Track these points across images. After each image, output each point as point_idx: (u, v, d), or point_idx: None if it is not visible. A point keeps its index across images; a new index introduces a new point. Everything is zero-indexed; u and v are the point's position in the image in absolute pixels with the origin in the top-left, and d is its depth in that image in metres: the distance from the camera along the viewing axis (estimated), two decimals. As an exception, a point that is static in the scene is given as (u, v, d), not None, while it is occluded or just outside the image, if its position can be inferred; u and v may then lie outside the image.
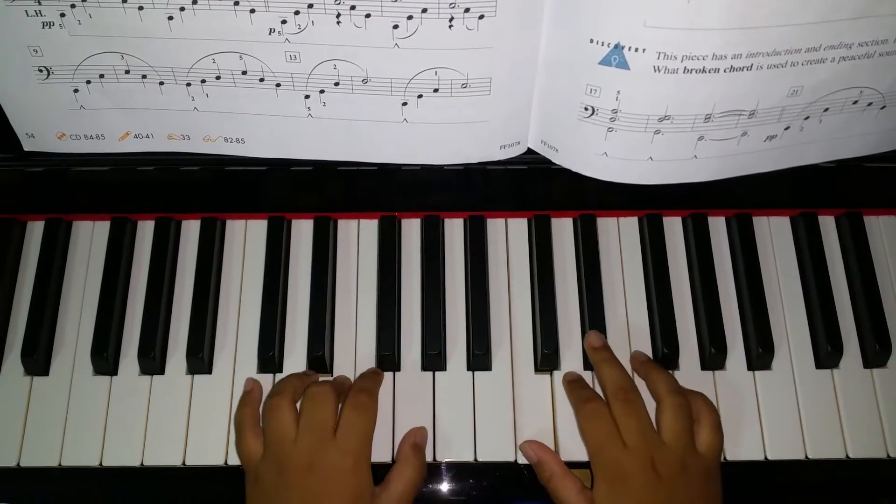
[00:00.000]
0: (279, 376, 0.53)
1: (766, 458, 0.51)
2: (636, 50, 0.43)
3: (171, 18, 0.43)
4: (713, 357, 0.53)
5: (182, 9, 0.43)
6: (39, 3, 0.43)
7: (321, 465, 0.45)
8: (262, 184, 0.57)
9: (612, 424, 0.47)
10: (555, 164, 0.52)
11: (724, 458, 0.50)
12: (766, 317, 0.53)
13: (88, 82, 0.47)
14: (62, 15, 0.44)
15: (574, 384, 0.51)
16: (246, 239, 0.57)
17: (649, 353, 0.54)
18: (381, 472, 0.48)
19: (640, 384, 0.51)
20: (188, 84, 0.47)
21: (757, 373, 0.53)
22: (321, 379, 0.52)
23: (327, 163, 0.53)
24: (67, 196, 0.57)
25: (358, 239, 0.57)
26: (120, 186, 0.56)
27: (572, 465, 0.49)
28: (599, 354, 0.51)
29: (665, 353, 0.53)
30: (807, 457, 0.51)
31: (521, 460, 0.51)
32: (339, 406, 0.48)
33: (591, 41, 0.43)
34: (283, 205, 0.57)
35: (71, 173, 0.55)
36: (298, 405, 0.49)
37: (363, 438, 0.46)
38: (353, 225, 0.57)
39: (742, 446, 0.51)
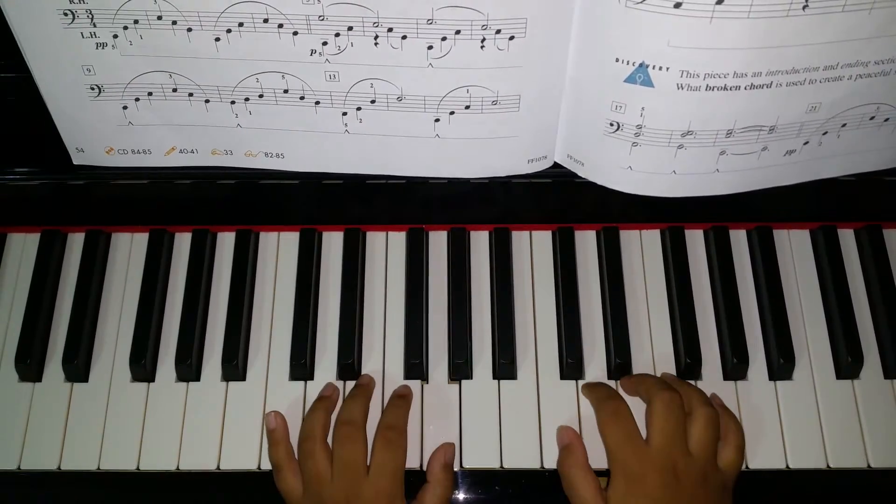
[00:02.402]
0: (311, 384, 0.54)
1: (787, 466, 0.51)
2: (660, 68, 0.44)
3: (217, 40, 0.46)
4: (735, 367, 0.53)
5: (229, 31, 0.45)
6: (94, 26, 0.46)
7: None
8: (295, 197, 0.58)
9: (634, 423, 0.48)
10: (579, 177, 0.53)
11: (746, 466, 0.51)
12: (787, 328, 0.54)
13: (137, 100, 0.50)
14: (115, 36, 0.46)
15: (594, 385, 0.52)
16: (279, 250, 0.58)
17: (672, 363, 0.54)
18: (409, 479, 0.49)
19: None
20: (232, 102, 0.49)
21: (778, 383, 0.54)
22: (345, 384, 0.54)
23: (357, 177, 0.55)
24: (107, 209, 0.59)
25: (386, 251, 0.58)
26: (158, 200, 0.58)
27: (598, 473, 0.50)
28: (636, 377, 0.53)
29: (688, 363, 0.54)
30: (828, 466, 0.51)
31: (547, 465, 0.51)
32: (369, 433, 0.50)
33: (617, 60, 0.45)
34: (315, 218, 0.59)
35: (111, 187, 0.57)
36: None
37: (395, 476, 0.48)
38: (382, 237, 0.59)
39: (764, 455, 0.51)
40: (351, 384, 0.54)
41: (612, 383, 0.54)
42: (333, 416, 0.51)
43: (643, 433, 0.49)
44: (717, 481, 0.47)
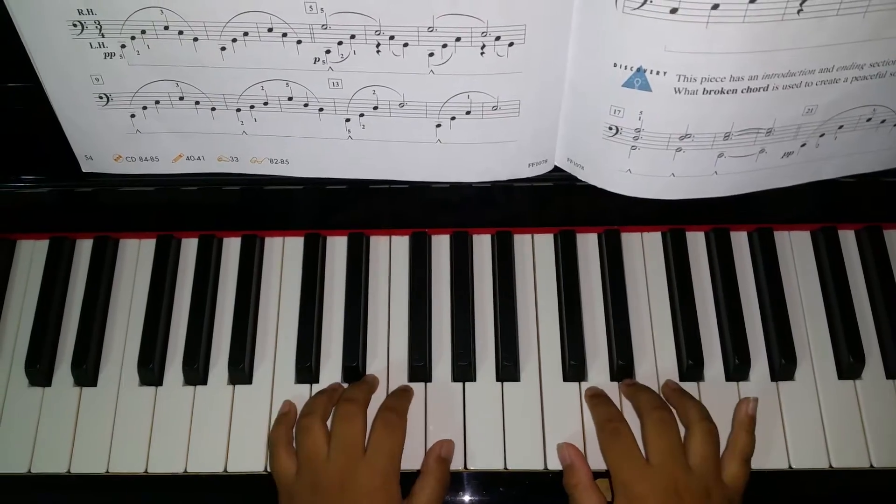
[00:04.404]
0: (315, 387, 0.55)
1: (790, 467, 0.51)
2: (657, 73, 0.45)
3: (223, 49, 0.47)
4: (737, 368, 0.54)
5: (234, 40, 0.46)
6: (103, 36, 0.47)
7: (352, 484, 0.46)
8: (299, 203, 0.59)
9: (634, 443, 0.48)
10: (580, 180, 0.54)
11: (749, 467, 0.51)
12: (789, 328, 0.54)
13: (145, 108, 0.51)
14: (123, 46, 0.47)
15: (597, 399, 0.52)
16: (283, 255, 0.59)
17: (674, 365, 0.55)
18: (411, 480, 0.49)
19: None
20: (238, 109, 0.50)
21: (780, 383, 0.54)
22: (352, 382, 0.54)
23: (360, 181, 0.55)
24: (115, 215, 0.60)
25: (390, 254, 0.59)
26: (165, 206, 0.59)
27: (598, 474, 0.50)
28: (634, 386, 0.52)
29: (690, 364, 0.54)
30: (831, 466, 0.51)
31: (551, 467, 0.52)
32: (368, 420, 0.50)
33: (615, 65, 0.45)
34: (319, 222, 0.59)
35: (118, 194, 0.58)
36: (329, 422, 0.50)
37: (391, 457, 0.48)
38: (385, 241, 0.59)
39: (766, 455, 0.52)
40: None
41: (614, 385, 0.54)
42: None
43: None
44: (722, 496, 0.46)
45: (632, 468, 0.47)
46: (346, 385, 0.55)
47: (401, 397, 0.52)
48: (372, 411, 0.52)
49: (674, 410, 0.51)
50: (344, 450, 0.48)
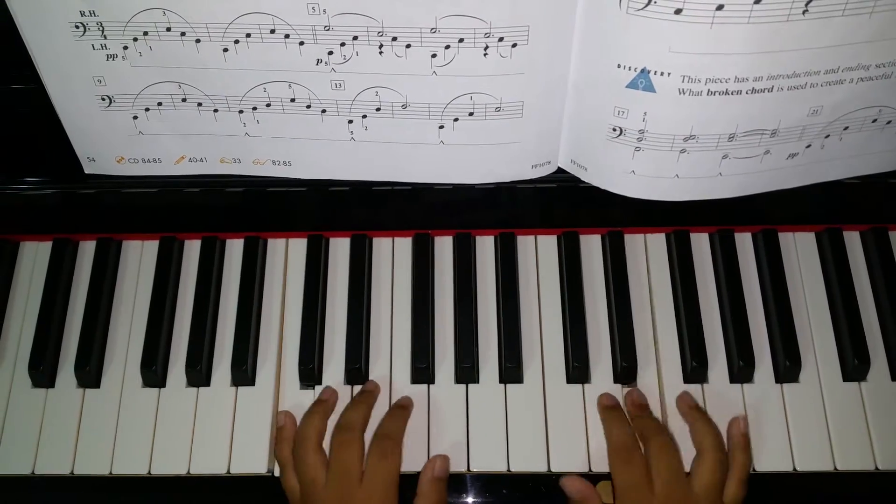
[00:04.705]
0: (319, 388, 0.55)
1: (794, 469, 0.51)
2: (662, 74, 0.45)
3: (225, 51, 0.47)
4: (741, 370, 0.54)
5: (236, 42, 0.46)
6: (105, 38, 0.47)
7: None
8: (302, 204, 0.59)
9: (644, 469, 0.48)
10: (584, 182, 0.54)
11: (754, 469, 0.51)
12: (793, 330, 0.54)
13: (147, 110, 0.51)
14: (125, 48, 0.47)
15: (612, 416, 0.51)
16: (287, 256, 0.59)
17: (678, 367, 0.55)
18: (413, 482, 0.50)
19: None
20: (240, 111, 0.50)
21: (785, 385, 0.54)
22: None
23: (363, 183, 0.55)
24: (117, 217, 0.60)
25: (393, 256, 0.59)
26: (167, 207, 0.59)
27: (602, 477, 0.50)
28: (640, 416, 0.52)
29: (694, 366, 0.54)
30: (835, 468, 0.51)
31: (554, 468, 0.51)
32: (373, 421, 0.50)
33: (619, 66, 0.45)
34: (322, 224, 0.59)
35: (121, 195, 0.58)
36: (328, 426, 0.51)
37: (387, 484, 0.48)
38: (388, 242, 0.59)
39: (771, 457, 0.52)
40: (358, 388, 0.54)
41: (617, 388, 0.54)
42: (332, 421, 0.52)
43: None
44: None
45: (641, 495, 0.47)
46: (347, 387, 0.55)
47: (397, 419, 0.52)
48: (377, 414, 0.52)
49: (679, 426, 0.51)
50: (341, 478, 0.48)
